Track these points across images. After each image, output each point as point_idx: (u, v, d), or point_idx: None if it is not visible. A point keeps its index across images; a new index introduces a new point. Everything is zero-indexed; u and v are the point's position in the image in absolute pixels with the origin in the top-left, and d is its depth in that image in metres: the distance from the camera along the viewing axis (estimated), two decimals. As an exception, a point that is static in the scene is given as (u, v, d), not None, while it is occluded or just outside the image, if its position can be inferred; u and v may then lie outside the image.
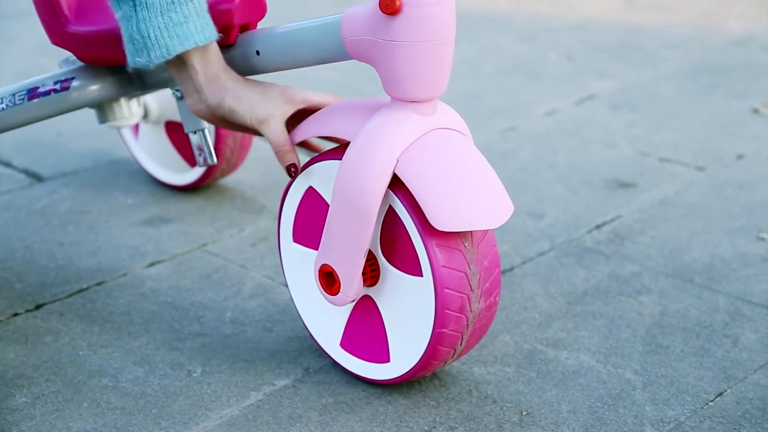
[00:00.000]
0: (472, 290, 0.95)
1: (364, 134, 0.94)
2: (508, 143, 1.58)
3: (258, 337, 1.11)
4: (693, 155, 1.54)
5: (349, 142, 0.98)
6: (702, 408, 1.00)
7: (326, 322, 1.05)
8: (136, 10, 0.95)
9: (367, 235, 0.95)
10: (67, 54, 1.31)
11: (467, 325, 0.96)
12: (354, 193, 0.94)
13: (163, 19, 0.96)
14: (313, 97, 1.02)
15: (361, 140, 0.94)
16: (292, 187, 1.03)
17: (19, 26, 2.06)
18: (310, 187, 1.02)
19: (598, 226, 1.34)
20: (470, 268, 0.94)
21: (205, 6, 0.98)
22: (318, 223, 1.02)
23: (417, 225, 0.93)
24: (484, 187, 0.93)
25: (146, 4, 0.95)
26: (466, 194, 0.92)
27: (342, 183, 0.95)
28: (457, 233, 0.94)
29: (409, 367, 0.99)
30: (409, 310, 0.98)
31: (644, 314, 1.15)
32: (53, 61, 1.26)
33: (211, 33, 0.99)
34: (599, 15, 2.19)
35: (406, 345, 0.99)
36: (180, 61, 0.99)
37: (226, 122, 1.03)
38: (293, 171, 1.00)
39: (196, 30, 0.97)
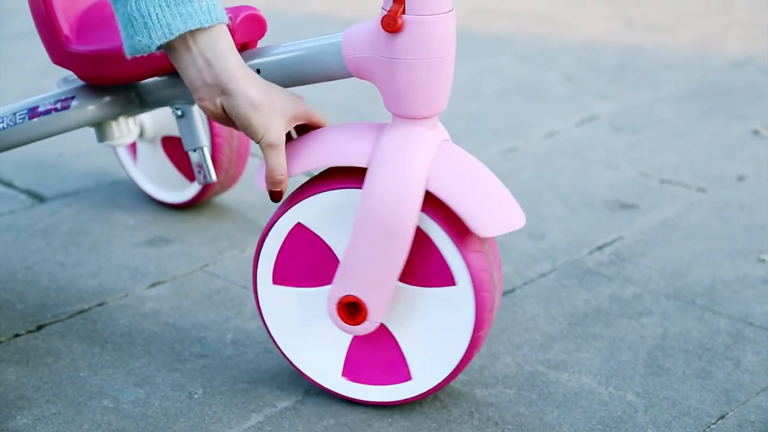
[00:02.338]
0: (495, 289, 0.99)
1: (385, 157, 0.94)
2: (509, 164, 1.58)
3: (259, 358, 1.11)
4: (694, 177, 1.54)
5: (337, 170, 0.98)
6: (704, 431, 1.00)
7: (322, 357, 1.04)
8: None
9: (401, 258, 0.96)
10: (67, 73, 1.32)
11: (491, 323, 1.00)
12: (387, 216, 0.94)
13: None
14: (314, 117, 1.00)
15: (383, 163, 0.94)
16: (273, 227, 1.01)
17: (20, 47, 2.07)
18: (298, 223, 1.00)
19: (599, 248, 1.34)
20: (492, 270, 0.98)
21: None
22: (306, 260, 1.01)
23: (449, 235, 0.95)
24: (500, 191, 0.97)
25: None
26: (493, 199, 0.95)
27: (370, 209, 0.94)
28: (480, 238, 0.97)
29: (440, 379, 1.00)
30: (434, 325, 0.99)
31: (646, 336, 1.15)
32: (55, 81, 1.26)
33: (220, 15, 0.89)
34: (599, 36, 2.20)
35: (433, 357, 1.00)
36: (187, 46, 0.90)
37: (231, 123, 0.96)
38: (278, 197, 0.97)
39: (201, 9, 0.88)
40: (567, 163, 1.59)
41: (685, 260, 1.31)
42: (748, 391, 1.05)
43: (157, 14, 0.88)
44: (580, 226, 1.40)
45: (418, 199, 0.94)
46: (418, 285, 0.99)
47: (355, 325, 0.99)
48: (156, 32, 0.88)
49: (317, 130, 0.99)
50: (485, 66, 2.02)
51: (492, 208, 0.95)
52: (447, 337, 0.99)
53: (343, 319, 1.00)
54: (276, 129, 0.94)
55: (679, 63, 2.04)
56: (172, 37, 0.88)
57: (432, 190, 0.94)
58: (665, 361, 1.10)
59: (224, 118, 0.95)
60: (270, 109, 0.93)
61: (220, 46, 0.90)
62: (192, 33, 0.90)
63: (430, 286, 0.98)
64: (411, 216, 0.94)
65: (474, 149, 1.62)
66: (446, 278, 0.97)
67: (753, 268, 1.29)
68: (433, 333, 1.00)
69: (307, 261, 1.01)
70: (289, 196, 1.01)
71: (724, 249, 1.34)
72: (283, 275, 1.03)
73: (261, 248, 1.02)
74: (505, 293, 1.23)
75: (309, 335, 1.03)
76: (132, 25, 0.88)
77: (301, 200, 0.99)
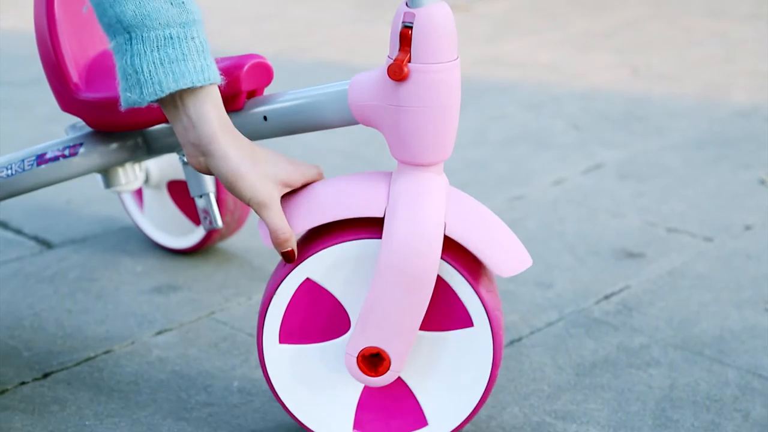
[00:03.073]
0: (503, 329, 1.02)
1: (402, 204, 0.95)
2: (516, 212, 1.59)
3: (265, 407, 1.10)
4: (700, 226, 1.54)
5: (344, 222, 0.98)
6: (713, 483, 0.99)
7: (331, 412, 1.03)
8: (131, 43, 0.88)
9: (424, 304, 0.96)
10: (75, 120, 1.33)
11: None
12: (409, 265, 0.94)
13: (159, 54, 0.88)
14: (309, 176, 0.98)
15: (401, 211, 0.94)
16: (280, 287, 1.00)
17: (31, 93, 2.08)
18: (307, 279, 1.00)
19: (606, 297, 1.34)
20: (500, 307, 1.01)
21: (207, 47, 0.91)
22: (315, 315, 1.01)
23: (466, 278, 0.97)
24: (506, 232, 0.98)
25: (142, 37, 0.88)
26: (505, 239, 0.97)
27: (392, 258, 0.95)
28: (489, 277, 1.00)
29: (459, 421, 1.01)
30: (451, 366, 1.00)
31: (654, 387, 1.14)
32: (63, 128, 1.27)
33: (212, 75, 0.90)
34: (605, 85, 2.21)
35: (450, 400, 1.00)
36: (174, 104, 0.91)
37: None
38: (291, 257, 0.97)
39: (195, 69, 0.89)
40: (573, 211, 1.59)
41: (693, 310, 1.31)
42: (757, 444, 1.05)
43: (150, 71, 0.89)
44: (587, 274, 1.40)
45: (438, 245, 0.95)
46: (435, 330, 1.00)
47: (377, 376, 0.99)
48: (147, 89, 0.89)
49: (316, 183, 0.99)
50: (492, 114, 2.03)
51: (506, 249, 0.97)
52: (465, 379, 1.00)
53: (364, 372, 0.99)
54: (262, 189, 0.93)
55: (685, 112, 2.05)
56: (162, 95, 0.89)
57: (451, 234, 0.96)
58: (674, 412, 1.10)
59: (211, 174, 0.95)
60: (251, 172, 0.93)
61: (205, 108, 0.91)
62: (179, 92, 0.91)
63: (448, 330, 0.99)
64: (434, 262, 0.95)
65: (480, 197, 1.62)
66: (464, 320, 0.99)
67: (761, 319, 1.28)
68: (450, 376, 1.00)
69: (314, 316, 1.01)
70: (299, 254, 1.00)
71: (732, 299, 1.33)
72: (289, 333, 1.01)
73: (267, 308, 1.01)
74: (512, 342, 1.23)
75: (316, 391, 1.03)
76: (126, 79, 0.90)
77: (309, 256, 0.99)
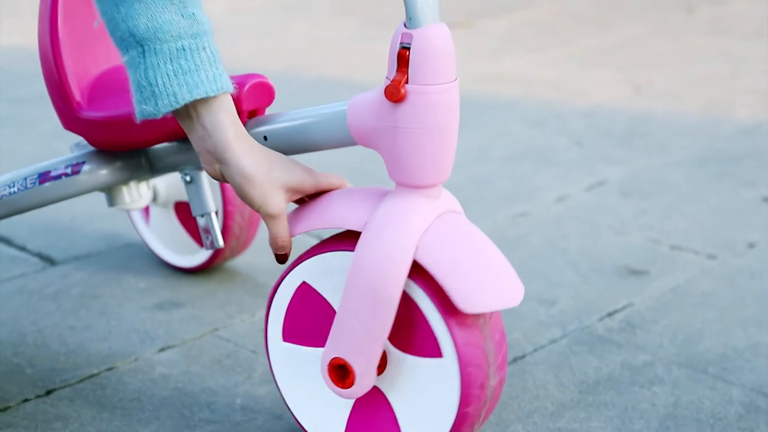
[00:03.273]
0: (489, 365, 0.96)
1: (378, 223, 0.94)
2: (519, 229, 1.59)
3: (268, 424, 1.10)
4: (704, 243, 1.54)
5: (343, 232, 0.98)
6: (717, 502, 0.99)
7: (325, 420, 1.03)
8: (144, 56, 0.90)
9: (387, 323, 0.95)
10: (79, 138, 1.33)
11: (486, 401, 0.97)
12: (374, 282, 0.94)
13: (172, 66, 0.90)
14: (328, 187, 1.01)
15: (376, 229, 0.94)
16: (282, 284, 1.02)
17: (35, 110, 2.09)
18: (303, 282, 1.01)
19: (609, 314, 1.34)
20: (486, 344, 0.96)
21: (218, 57, 0.93)
22: (312, 319, 1.01)
23: (437, 307, 0.94)
24: (498, 266, 0.95)
25: (155, 50, 0.90)
26: (485, 275, 0.94)
27: (358, 273, 0.95)
28: None
29: None
30: (425, 395, 0.98)
31: (657, 405, 1.14)
32: (68, 145, 1.27)
33: (224, 85, 0.93)
34: (608, 102, 2.22)
35: (424, 426, 0.98)
36: (189, 114, 0.94)
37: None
38: (283, 260, 0.99)
39: (207, 79, 0.91)
40: (577, 228, 1.59)
41: (697, 327, 1.31)
42: (761, 462, 1.04)
43: (164, 83, 0.91)
44: (591, 291, 1.40)
45: (404, 268, 0.93)
46: (409, 353, 0.98)
47: (344, 388, 0.99)
48: (162, 101, 0.91)
49: (329, 192, 1.00)
50: (495, 131, 2.04)
51: (482, 284, 0.93)
52: (435, 409, 0.97)
53: (334, 382, 0.99)
54: (274, 200, 0.96)
55: (688, 129, 2.05)
56: (178, 106, 0.91)
57: (419, 260, 0.94)
58: (677, 430, 1.09)
59: (226, 182, 0.98)
60: (265, 180, 0.95)
61: (219, 117, 0.93)
62: (193, 103, 0.93)
63: (420, 356, 0.97)
64: (396, 283, 0.93)
65: (484, 214, 1.62)
66: (434, 349, 0.96)
67: (765, 337, 1.28)
68: (423, 402, 0.98)
69: (313, 320, 1.02)
70: (300, 255, 1.02)
71: (736, 317, 1.33)
72: (291, 333, 1.03)
73: (271, 304, 1.03)
74: (515, 359, 1.23)
75: (315, 395, 1.03)
76: (141, 92, 0.92)
77: (305, 259, 1.00)
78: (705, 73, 2.42)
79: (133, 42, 0.90)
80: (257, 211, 0.97)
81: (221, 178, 0.97)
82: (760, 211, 1.66)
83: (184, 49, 0.90)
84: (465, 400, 0.95)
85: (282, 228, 0.97)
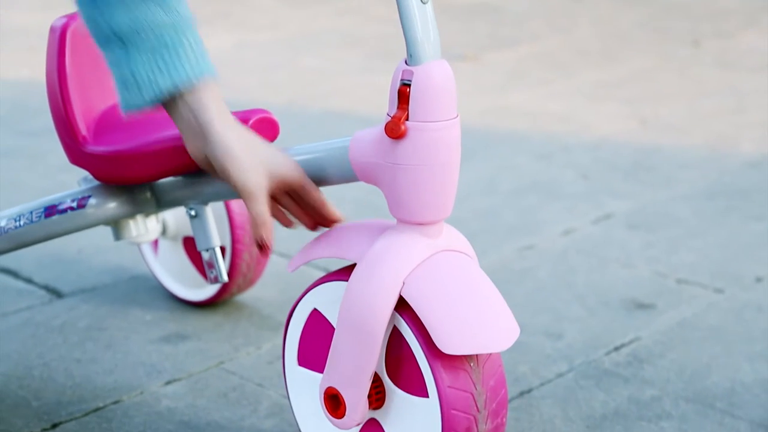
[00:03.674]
0: (478, 411, 0.94)
1: (370, 257, 0.95)
2: (526, 262, 1.59)
3: (274, 459, 1.10)
4: (711, 277, 1.54)
5: (351, 264, 0.99)
6: None
7: None
8: (127, 51, 0.93)
9: (372, 357, 0.95)
10: (86, 172, 1.33)
11: None
12: (360, 315, 0.94)
13: (154, 57, 0.93)
14: (307, 186, 0.99)
15: (367, 263, 0.95)
16: (296, 308, 1.03)
17: (44, 143, 2.10)
18: (315, 309, 1.02)
19: (616, 348, 1.33)
20: (476, 389, 0.94)
21: (200, 42, 0.95)
22: (323, 346, 1.02)
23: (422, 345, 0.94)
24: (490, 309, 0.94)
25: (137, 44, 0.92)
26: (472, 317, 0.92)
27: (348, 305, 0.95)
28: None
29: None
30: (415, 429, 0.97)
31: (665, 440, 1.13)
32: (75, 178, 1.28)
33: (206, 68, 0.95)
34: (614, 135, 2.22)
35: None
36: (175, 103, 0.96)
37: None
38: (264, 247, 0.97)
39: (190, 66, 0.94)
40: (583, 261, 1.59)
41: (704, 362, 1.30)
42: (770, 498, 1.03)
43: (147, 75, 0.93)
44: (597, 325, 1.39)
45: (389, 303, 0.93)
46: (403, 390, 0.98)
47: (337, 418, 0.98)
48: (147, 93, 0.93)
49: (340, 224, 1.01)
50: (501, 164, 2.04)
51: (469, 325, 0.91)
52: None
53: (329, 411, 0.99)
54: (253, 178, 0.95)
55: (695, 163, 2.05)
56: (162, 96, 0.94)
57: (405, 296, 0.93)
58: (685, 465, 1.09)
59: (213, 170, 0.98)
60: (245, 156, 0.95)
61: (203, 97, 0.95)
62: (180, 89, 0.94)
63: (411, 394, 0.97)
64: (381, 318, 0.93)
65: (490, 246, 1.62)
66: (421, 389, 0.96)
67: (773, 371, 1.28)
68: None
69: (323, 347, 1.02)
70: (313, 282, 1.02)
71: (743, 351, 1.33)
72: (305, 358, 1.04)
73: (287, 328, 1.04)
74: (521, 393, 1.22)
75: (325, 421, 1.03)
76: (126, 87, 0.94)
77: (316, 286, 1.01)
78: (711, 106, 2.42)
79: (115, 39, 0.93)
80: (237, 190, 0.96)
81: (209, 167, 0.97)
82: (767, 245, 1.66)
83: (166, 43, 0.93)
84: None
85: (260, 208, 0.96)
